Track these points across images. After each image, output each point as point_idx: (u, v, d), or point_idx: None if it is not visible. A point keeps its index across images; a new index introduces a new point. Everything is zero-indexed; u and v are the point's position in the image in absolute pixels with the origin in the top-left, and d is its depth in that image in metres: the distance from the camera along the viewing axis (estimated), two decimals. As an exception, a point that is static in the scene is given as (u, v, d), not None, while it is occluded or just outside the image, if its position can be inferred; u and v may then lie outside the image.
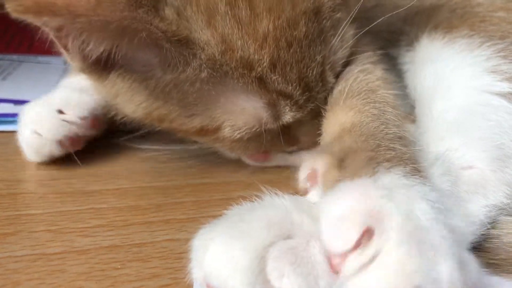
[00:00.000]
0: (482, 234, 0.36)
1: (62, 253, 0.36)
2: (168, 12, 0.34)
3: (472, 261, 0.28)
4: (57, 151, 0.48)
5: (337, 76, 0.41)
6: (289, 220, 0.30)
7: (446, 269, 0.25)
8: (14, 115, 0.50)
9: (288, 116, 0.40)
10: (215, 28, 0.35)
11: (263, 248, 0.28)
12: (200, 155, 0.50)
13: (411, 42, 0.49)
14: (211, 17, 0.35)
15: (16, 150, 0.49)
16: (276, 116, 0.40)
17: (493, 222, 0.36)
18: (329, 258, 0.27)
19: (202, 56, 0.36)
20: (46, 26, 0.34)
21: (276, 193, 0.32)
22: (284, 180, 0.43)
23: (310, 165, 0.36)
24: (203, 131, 0.41)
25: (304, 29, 0.37)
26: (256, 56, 0.36)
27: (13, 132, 0.50)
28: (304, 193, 0.36)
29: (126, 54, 0.37)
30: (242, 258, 0.27)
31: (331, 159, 0.33)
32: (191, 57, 0.36)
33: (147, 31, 0.34)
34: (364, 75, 0.41)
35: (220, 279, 0.27)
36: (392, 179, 0.30)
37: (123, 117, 0.44)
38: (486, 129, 0.38)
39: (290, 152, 0.48)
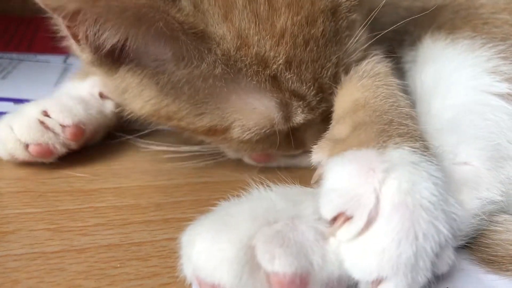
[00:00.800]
0: (480, 232, 0.36)
1: (61, 252, 0.36)
2: (185, 3, 0.34)
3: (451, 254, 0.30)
4: (20, 154, 0.45)
5: None
6: (273, 209, 0.30)
7: (430, 251, 0.27)
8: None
9: (299, 117, 0.39)
10: (232, 23, 0.35)
11: (249, 238, 0.28)
12: (200, 155, 0.50)
13: (414, 41, 0.49)
14: (228, 11, 0.35)
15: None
16: (288, 117, 0.39)
17: (491, 220, 0.37)
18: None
19: (218, 51, 0.35)
20: (62, 11, 0.33)
21: (263, 186, 0.33)
22: (283, 177, 0.42)
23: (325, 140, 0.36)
24: (211, 131, 0.40)
25: (321, 28, 0.36)
26: (272, 53, 0.36)
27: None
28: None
29: (139, 47, 0.36)
30: (228, 250, 0.28)
31: (343, 129, 0.34)
32: (206, 52, 0.35)
33: (164, 20, 0.33)
34: (377, 62, 0.41)
35: (207, 271, 0.28)
36: (401, 154, 0.30)
37: (129, 114, 0.43)
38: (483, 128, 0.39)
39: (293, 155, 0.48)
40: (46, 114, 0.46)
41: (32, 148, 0.45)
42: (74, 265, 0.35)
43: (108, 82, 0.41)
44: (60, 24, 0.35)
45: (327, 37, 0.37)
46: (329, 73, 0.38)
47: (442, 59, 0.44)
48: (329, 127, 0.39)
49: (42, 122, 0.45)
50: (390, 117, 0.34)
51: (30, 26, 1.01)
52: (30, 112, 0.46)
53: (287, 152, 0.46)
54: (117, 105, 0.49)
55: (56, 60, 0.83)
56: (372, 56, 0.42)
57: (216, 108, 0.39)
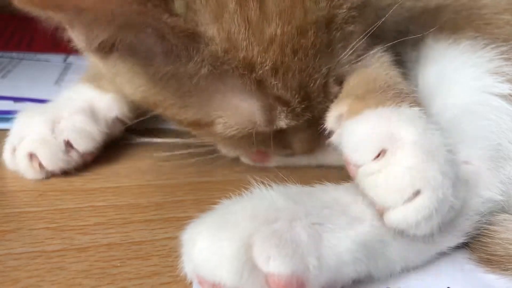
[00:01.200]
0: (479, 231, 0.36)
1: (61, 251, 0.36)
2: (178, 5, 0.33)
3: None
4: (37, 176, 0.46)
5: (341, 84, 0.40)
6: (273, 207, 0.30)
7: (447, 184, 0.30)
8: (14, 112, 0.50)
9: (282, 122, 0.39)
10: (222, 25, 0.35)
11: (249, 236, 0.28)
12: (200, 154, 0.50)
13: (416, 42, 0.49)
14: (219, 13, 0.34)
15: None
16: (270, 121, 0.39)
17: (490, 219, 0.37)
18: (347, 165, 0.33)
19: (205, 52, 0.35)
20: (51, 19, 0.33)
21: (264, 184, 0.33)
22: (283, 177, 0.42)
23: (339, 107, 0.38)
24: (196, 124, 0.41)
25: (312, 39, 0.36)
26: (258, 59, 0.36)
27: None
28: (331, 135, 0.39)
29: (129, 42, 0.36)
30: (229, 248, 0.28)
31: (354, 101, 0.37)
32: (194, 51, 0.35)
33: (154, 26, 0.33)
34: (380, 54, 0.42)
35: (208, 269, 0.28)
36: (414, 112, 0.34)
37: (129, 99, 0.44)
38: (484, 128, 0.39)
39: (289, 155, 0.48)
40: (69, 144, 0.46)
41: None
42: (74, 264, 0.35)
43: (102, 66, 0.41)
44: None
45: (318, 48, 0.37)
46: (317, 83, 0.38)
47: (444, 59, 0.44)
48: (316, 134, 0.41)
49: (65, 152, 0.46)
50: (401, 87, 0.37)
51: (30, 25, 1.01)
52: (53, 140, 0.46)
53: (276, 151, 0.46)
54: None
55: (56, 59, 0.83)
56: (375, 52, 0.42)
57: (200, 104, 0.39)
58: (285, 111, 0.39)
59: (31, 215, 0.40)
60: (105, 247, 0.37)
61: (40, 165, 0.45)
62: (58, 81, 0.73)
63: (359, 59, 0.40)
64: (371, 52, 0.41)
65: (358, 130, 0.34)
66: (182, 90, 0.38)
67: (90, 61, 0.57)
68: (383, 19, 0.39)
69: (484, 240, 0.36)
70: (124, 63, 0.38)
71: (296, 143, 0.45)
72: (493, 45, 0.42)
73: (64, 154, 0.46)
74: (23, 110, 0.49)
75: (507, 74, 0.41)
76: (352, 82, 0.40)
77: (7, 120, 0.56)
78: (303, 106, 0.39)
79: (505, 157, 0.38)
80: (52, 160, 0.45)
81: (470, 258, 0.37)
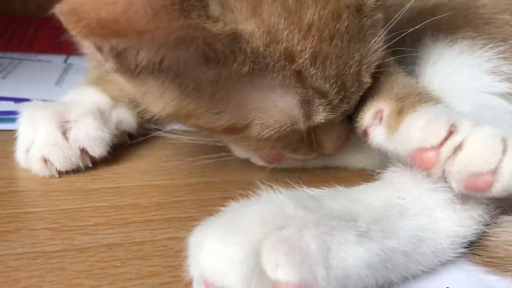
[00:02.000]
0: (481, 233, 0.36)
1: (62, 251, 0.36)
2: (213, 6, 0.32)
3: None
4: (55, 174, 0.47)
5: (372, 77, 0.41)
6: (282, 213, 0.30)
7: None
8: (15, 112, 0.50)
9: (320, 116, 0.39)
10: (261, 18, 0.34)
11: (258, 242, 0.28)
12: (200, 153, 0.50)
13: (414, 42, 0.49)
14: (256, 5, 0.33)
15: (16, 148, 0.49)
16: (308, 116, 0.39)
17: (492, 221, 0.37)
18: (420, 155, 0.34)
19: (247, 49, 0.34)
20: (111, 49, 0.32)
21: (272, 188, 0.32)
22: (286, 178, 0.42)
23: (376, 104, 0.40)
24: (230, 129, 0.40)
25: (346, 23, 0.36)
26: (299, 47, 0.35)
27: (14, 130, 0.50)
28: (365, 133, 0.41)
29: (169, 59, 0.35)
30: (237, 253, 0.27)
31: (394, 101, 0.39)
32: (237, 52, 0.34)
33: (202, 37, 0.32)
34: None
35: (216, 275, 0.28)
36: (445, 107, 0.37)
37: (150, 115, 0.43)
38: None
39: (306, 158, 0.47)
40: (84, 150, 0.47)
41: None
42: (75, 265, 0.35)
43: (129, 86, 0.40)
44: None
45: (351, 33, 0.37)
46: (351, 70, 0.38)
47: (442, 60, 0.44)
48: (347, 130, 0.43)
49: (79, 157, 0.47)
50: (419, 91, 0.40)
51: (31, 26, 1.01)
52: (68, 147, 0.46)
53: (303, 153, 0.45)
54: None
55: (56, 59, 0.84)
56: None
57: (237, 106, 0.38)
58: (323, 104, 0.38)
59: (32, 216, 0.40)
60: (106, 247, 0.37)
61: (52, 165, 0.47)
62: (59, 81, 0.73)
63: (384, 47, 0.40)
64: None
65: (421, 120, 0.35)
66: (218, 94, 0.37)
67: (92, 64, 0.57)
68: (397, 16, 0.40)
69: (485, 242, 0.36)
70: (154, 79, 0.37)
71: (327, 141, 0.44)
72: (491, 45, 0.43)
73: (78, 159, 0.47)
74: (29, 107, 0.49)
75: (506, 73, 0.41)
76: (380, 84, 0.41)
77: (8, 120, 0.57)
78: (340, 96, 0.39)
79: None
80: (65, 164, 0.47)
81: (470, 259, 0.37)
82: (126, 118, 0.52)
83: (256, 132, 0.39)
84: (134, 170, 0.49)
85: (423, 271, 0.34)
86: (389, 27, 0.39)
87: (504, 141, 0.32)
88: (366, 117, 0.40)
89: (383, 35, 0.39)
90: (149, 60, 0.33)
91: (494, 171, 0.32)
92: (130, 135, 0.54)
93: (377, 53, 0.39)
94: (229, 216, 0.31)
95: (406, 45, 0.50)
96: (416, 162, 0.34)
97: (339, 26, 0.36)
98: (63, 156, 0.46)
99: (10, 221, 0.39)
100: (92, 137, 0.47)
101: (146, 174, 0.49)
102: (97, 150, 0.48)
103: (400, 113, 0.38)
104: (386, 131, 0.38)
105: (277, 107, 0.38)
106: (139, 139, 0.50)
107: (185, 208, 0.43)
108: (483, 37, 0.43)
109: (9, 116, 0.57)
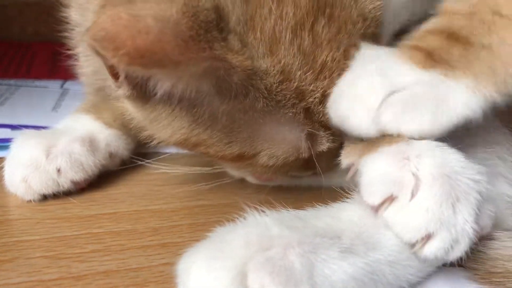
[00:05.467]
0: (480, 248, 0.36)
1: (59, 279, 0.36)
2: (232, 41, 0.33)
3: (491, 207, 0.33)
4: (37, 198, 0.48)
5: None
6: (267, 234, 0.31)
7: (470, 207, 0.31)
8: (11, 140, 0.50)
9: (324, 146, 0.40)
10: (277, 57, 0.35)
11: (243, 264, 0.28)
12: (195, 177, 0.50)
13: None
14: (274, 45, 0.35)
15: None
16: (313, 146, 0.40)
17: (491, 236, 0.37)
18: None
19: (261, 86, 0.35)
20: (148, 78, 0.33)
21: (258, 211, 0.33)
22: (282, 199, 0.43)
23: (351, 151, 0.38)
24: (238, 158, 0.40)
25: None
26: (310, 87, 0.36)
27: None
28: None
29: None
30: (224, 277, 0.28)
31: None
32: (251, 87, 0.35)
33: (223, 68, 0.33)
34: None
35: None
36: (426, 142, 0.33)
37: (152, 141, 0.43)
38: None
39: (301, 177, 0.48)
40: (59, 171, 0.47)
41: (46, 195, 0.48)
42: (71, 293, 0.35)
43: (137, 112, 0.40)
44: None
45: None
46: None
47: None
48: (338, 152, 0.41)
49: (56, 180, 0.47)
50: None
51: (28, 51, 1.02)
52: (46, 168, 0.47)
53: (299, 173, 0.46)
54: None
55: (53, 85, 0.84)
56: None
57: (248, 137, 0.39)
58: (327, 135, 0.39)
59: (28, 244, 0.40)
60: (102, 274, 0.37)
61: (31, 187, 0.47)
62: (56, 107, 0.74)
63: None
64: None
65: (375, 169, 0.34)
66: (231, 126, 0.38)
67: (88, 91, 0.58)
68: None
69: (485, 256, 0.36)
70: (165, 107, 0.37)
71: (322, 162, 0.44)
72: None
73: (55, 180, 0.47)
74: (21, 135, 0.50)
75: None
76: None
77: (5, 148, 0.57)
78: None
79: None
80: (43, 185, 0.47)
81: (466, 275, 0.37)
82: (118, 146, 0.53)
83: (263, 161, 0.40)
84: (130, 195, 0.49)
85: (418, 277, 0.34)
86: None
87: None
88: (345, 161, 0.39)
89: None
90: (172, 89, 0.34)
91: None
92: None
93: None
94: (215, 240, 0.31)
95: None
96: None
97: (348, 62, 0.37)
98: (40, 177, 0.46)
99: (6, 250, 0.39)
100: (71, 159, 0.47)
101: (143, 199, 0.49)
102: (71, 173, 0.47)
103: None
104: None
105: (285, 140, 0.39)
106: (135, 164, 0.50)
107: (181, 233, 0.43)
108: None
109: (5, 143, 0.58)
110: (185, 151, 0.48)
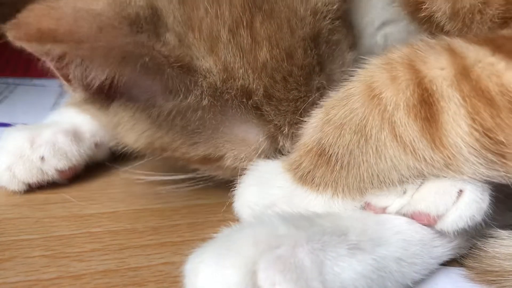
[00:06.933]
0: (477, 247, 0.36)
1: (57, 279, 0.36)
2: (170, 37, 0.34)
3: None
4: (22, 188, 0.48)
5: None
6: (275, 233, 0.30)
7: None
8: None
9: (287, 145, 0.40)
10: (218, 56, 0.35)
11: (253, 263, 0.28)
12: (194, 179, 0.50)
13: None
14: (214, 44, 0.35)
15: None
16: (275, 149, 0.40)
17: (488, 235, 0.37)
18: None
19: (204, 84, 0.36)
20: (48, 55, 0.34)
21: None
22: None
23: None
24: (205, 160, 0.41)
25: (301, 57, 0.37)
26: (254, 85, 0.36)
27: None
28: None
29: (127, 82, 0.36)
30: (233, 275, 0.28)
31: None
32: (192, 85, 0.36)
33: (149, 55, 0.34)
34: None
35: None
36: None
37: (124, 147, 0.44)
38: None
39: None
40: (43, 159, 0.48)
41: (32, 185, 0.49)
42: (70, 292, 0.34)
43: (102, 118, 0.42)
44: (50, 66, 0.36)
45: (308, 65, 0.38)
46: (310, 100, 0.38)
47: None
48: None
49: (40, 168, 0.48)
50: None
51: (25, 50, 1.02)
52: (30, 157, 0.47)
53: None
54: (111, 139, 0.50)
55: (52, 83, 0.84)
56: None
57: (209, 138, 0.39)
58: (287, 135, 0.39)
59: (27, 243, 0.40)
60: (101, 274, 0.37)
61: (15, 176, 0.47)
62: (55, 105, 0.74)
63: (348, 69, 0.40)
64: None
65: None
66: (189, 127, 0.38)
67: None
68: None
69: (482, 255, 0.37)
70: (125, 110, 0.39)
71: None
72: None
73: (39, 168, 0.47)
74: (10, 129, 0.51)
75: None
76: None
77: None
78: (300, 125, 0.39)
79: None
80: (27, 173, 0.47)
81: (464, 274, 0.37)
82: (104, 136, 0.53)
83: (229, 163, 0.40)
84: (129, 195, 0.49)
85: (421, 274, 0.35)
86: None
87: None
88: None
89: (346, 57, 0.40)
90: (100, 77, 0.35)
91: None
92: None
93: (338, 76, 0.39)
94: (222, 240, 0.31)
95: None
96: None
97: (294, 61, 0.37)
98: (25, 167, 0.47)
99: (5, 249, 0.39)
100: (55, 148, 0.48)
101: (142, 198, 0.49)
102: (54, 161, 0.48)
103: None
104: None
105: (245, 141, 0.39)
106: (135, 164, 0.50)
107: (181, 232, 0.43)
108: None
109: (4, 142, 0.57)
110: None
